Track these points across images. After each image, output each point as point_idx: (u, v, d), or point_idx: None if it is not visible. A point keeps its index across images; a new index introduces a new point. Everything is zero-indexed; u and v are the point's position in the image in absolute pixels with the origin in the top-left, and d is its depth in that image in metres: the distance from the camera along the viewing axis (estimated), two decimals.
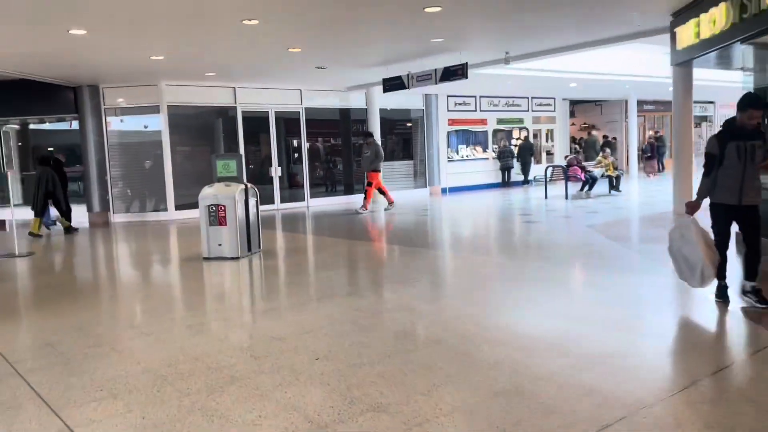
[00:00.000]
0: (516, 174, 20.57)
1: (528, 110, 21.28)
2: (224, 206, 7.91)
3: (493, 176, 20.12)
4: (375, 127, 16.55)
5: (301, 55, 10.95)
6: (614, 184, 14.98)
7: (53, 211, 11.91)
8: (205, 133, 15.18)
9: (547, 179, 15.13)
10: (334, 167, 18.17)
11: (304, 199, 16.22)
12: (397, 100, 17.60)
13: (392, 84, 12.98)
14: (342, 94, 16.72)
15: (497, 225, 10.87)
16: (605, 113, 26.52)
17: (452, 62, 11.73)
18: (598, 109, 26.70)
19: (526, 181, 20.61)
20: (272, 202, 15.61)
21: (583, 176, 14.49)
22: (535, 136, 21.25)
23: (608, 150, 15.13)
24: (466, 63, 11.36)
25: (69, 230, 11.89)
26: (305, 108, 16.03)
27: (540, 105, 21.64)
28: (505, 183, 19.89)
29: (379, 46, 10.68)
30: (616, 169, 15.30)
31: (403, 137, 19.62)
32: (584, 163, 15.02)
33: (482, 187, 19.70)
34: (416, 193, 18.32)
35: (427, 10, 7.97)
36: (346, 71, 13.35)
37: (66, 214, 11.87)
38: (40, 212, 11.41)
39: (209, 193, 8.02)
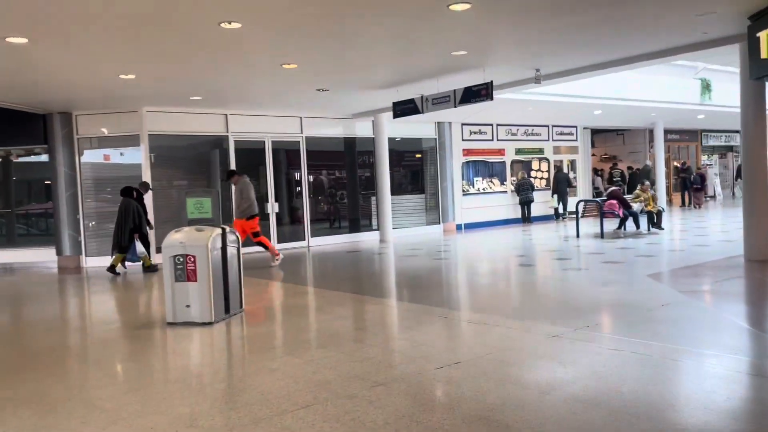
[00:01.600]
0: (548, 208, 18.85)
1: (548, 139, 19.64)
2: (194, 257, 6.17)
3: (511, 211, 18.38)
4: (383, 159, 14.88)
5: (298, 73, 9.33)
6: (655, 221, 13.19)
7: (138, 247, 10.98)
8: (194, 166, 13.54)
9: (579, 215, 13.36)
10: (339, 202, 16.51)
11: (304, 238, 14.47)
12: (407, 129, 16.03)
13: (404, 108, 11.34)
14: (346, 123, 15.12)
15: (534, 274, 9.06)
16: (628, 143, 24.89)
17: (474, 82, 10.10)
18: (620, 138, 25.08)
19: (560, 216, 18.88)
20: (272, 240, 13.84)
21: (621, 212, 12.71)
22: (557, 167, 19.55)
23: (647, 182, 13.37)
24: (491, 82, 9.71)
25: (151, 268, 10.99)
26: (306, 137, 14.41)
27: (561, 134, 20.02)
28: (526, 219, 18.12)
29: (389, 61, 9.06)
30: (656, 203, 13.52)
31: (413, 169, 17.98)
32: (632, 198, 13.24)
33: (500, 224, 17.96)
34: (428, 231, 16.56)
35: (453, 7, 6.33)
36: (351, 94, 11.73)
37: (147, 250, 11.11)
38: (126, 248, 10.74)
39: (175, 240, 6.28)
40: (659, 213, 13.23)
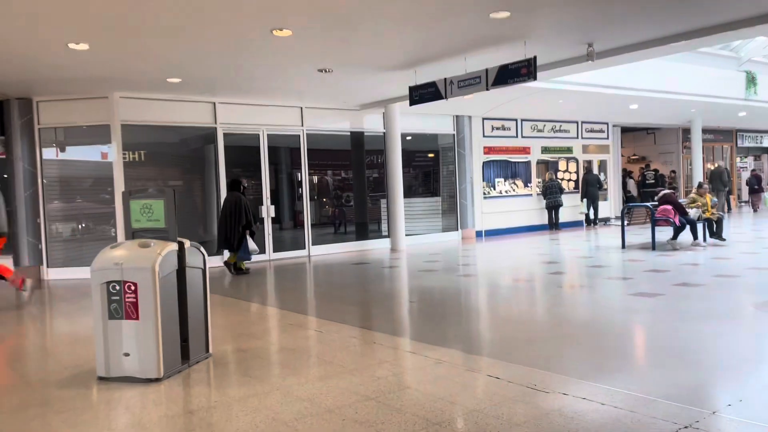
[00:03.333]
0: (578, 213, 16.92)
1: (577, 137, 17.71)
2: (135, 284, 4.30)
3: (536, 217, 16.45)
4: (395, 156, 12.99)
5: (294, 43, 7.47)
6: (715, 230, 11.24)
7: (251, 244, 10.01)
8: (181, 164, 11.70)
9: (625, 222, 11.43)
10: (345, 205, 14.68)
11: (304, 247, 12.60)
12: (421, 123, 14.17)
13: (423, 93, 9.45)
14: (354, 115, 13.25)
15: (596, 302, 7.13)
16: (659, 142, 22.90)
17: (511, 59, 8.21)
18: (650, 137, 23.10)
19: (592, 222, 16.94)
20: (262, 251, 12.00)
21: (677, 219, 10.77)
22: (586, 168, 17.61)
23: (706, 186, 11.42)
24: (535, 57, 7.81)
25: (243, 270, 10.14)
26: (307, 131, 12.54)
27: (591, 131, 18.08)
28: (553, 225, 16.18)
29: (409, 27, 7.17)
30: (715, 210, 11.58)
31: (428, 168, 16.14)
32: (686, 203, 11.28)
33: (524, 230, 16.05)
34: (445, 239, 14.67)
35: None
36: (359, 78, 9.86)
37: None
38: (238, 246, 9.89)
39: (108, 261, 4.41)
40: (719, 221, 11.28)
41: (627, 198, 20.34)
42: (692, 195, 11.48)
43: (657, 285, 7.49)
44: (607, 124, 18.42)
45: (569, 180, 17.39)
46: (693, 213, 11.15)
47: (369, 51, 8.08)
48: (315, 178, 15.08)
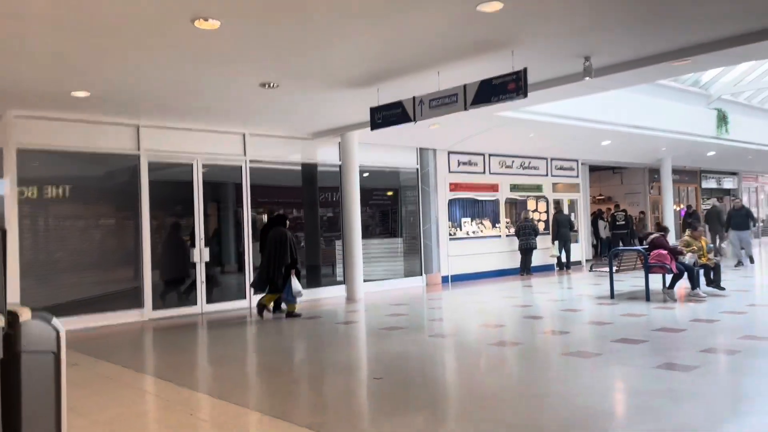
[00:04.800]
0: (549, 256, 15.56)
1: (547, 174, 16.53)
2: None
3: (506, 260, 15.02)
4: (352, 191, 11.38)
5: (223, 40, 5.84)
6: (712, 278, 9.97)
7: (296, 285, 9.10)
8: (105, 200, 9.76)
9: (613, 268, 10.04)
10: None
11: (244, 296, 10.73)
12: (382, 156, 12.71)
13: (387, 116, 7.92)
14: (305, 144, 11.63)
15: (626, 381, 5.55)
16: (626, 182, 22.07)
17: (495, 72, 6.79)
18: (616, 177, 22.25)
19: (564, 266, 15.59)
20: (194, 302, 10.10)
21: (674, 266, 9.44)
22: (557, 208, 16.39)
23: (701, 227, 10.19)
24: (525, 70, 6.40)
25: (295, 314, 9.14)
26: (250, 162, 10.84)
27: (561, 169, 16.96)
28: (526, 269, 14.77)
29: (371, 23, 5.66)
30: (712, 254, 10.34)
31: (389, 207, 14.61)
32: (680, 246, 9.98)
33: (493, 275, 14.58)
34: (408, 285, 13.04)
35: None
36: (311, 95, 8.28)
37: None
38: (282, 286, 9.05)
39: None
40: (717, 268, 10.02)
41: (597, 240, 19.23)
42: (686, 238, 10.22)
43: (682, 352, 5.99)
44: (576, 161, 17.36)
45: (539, 220, 16.09)
46: (689, 258, 9.86)
47: (321, 57, 6.51)
48: (264, 217, 13.49)
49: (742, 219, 14.84)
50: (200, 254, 10.13)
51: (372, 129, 8.14)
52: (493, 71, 6.87)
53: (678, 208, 22.08)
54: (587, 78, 6.90)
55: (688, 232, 10.41)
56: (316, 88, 7.79)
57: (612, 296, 9.95)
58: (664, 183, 19.40)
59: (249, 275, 10.71)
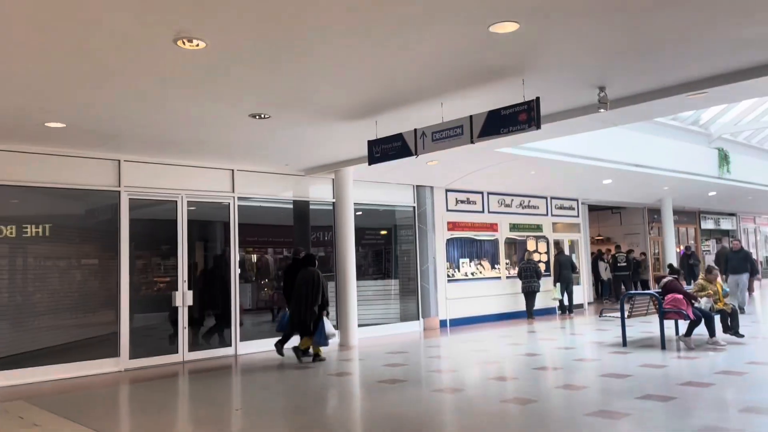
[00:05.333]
0: (551, 299, 14.91)
1: (547, 213, 16.03)
2: None
3: (506, 303, 14.38)
4: (347, 229, 10.78)
5: (210, 63, 5.31)
6: (730, 324, 9.36)
7: (328, 327, 8.84)
8: (86, 239, 9.09)
9: (624, 313, 9.41)
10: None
11: (230, 343, 9.99)
12: (377, 194, 12.19)
13: (386, 149, 7.39)
14: (298, 181, 11.09)
15: None
16: (625, 223, 21.62)
17: (502, 103, 6.29)
18: (615, 217, 21.83)
19: (567, 309, 14.94)
20: (173, 350, 9.35)
21: (690, 312, 8.83)
22: (558, 249, 15.82)
23: (716, 270, 9.62)
24: (537, 100, 5.90)
25: (319, 357, 8.88)
26: (239, 199, 10.25)
27: (561, 208, 16.48)
28: (530, 313, 14.13)
29: (371, 57, 5.16)
30: (728, 299, 9.74)
31: (384, 246, 14.04)
32: (694, 290, 9.39)
33: (493, 319, 13.92)
34: (404, 330, 12.34)
35: None
36: (304, 128, 7.75)
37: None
38: (314, 329, 8.71)
39: None
40: (734, 313, 9.42)
41: (598, 282, 18.63)
42: (700, 281, 9.64)
43: (720, 413, 5.33)
44: (577, 200, 16.90)
45: (539, 261, 15.51)
46: (704, 303, 9.26)
47: (316, 84, 6.00)
48: (254, 257, 12.89)
49: (739, 262, 13.81)
50: (182, 297, 9.42)
51: (370, 163, 7.59)
52: (500, 102, 6.39)
53: (677, 250, 21.60)
54: (602, 110, 6.42)
55: (702, 275, 9.83)
56: (309, 119, 7.27)
57: (624, 344, 9.30)
58: (666, 223, 18.94)
59: (236, 321, 9.98)
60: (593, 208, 19.57)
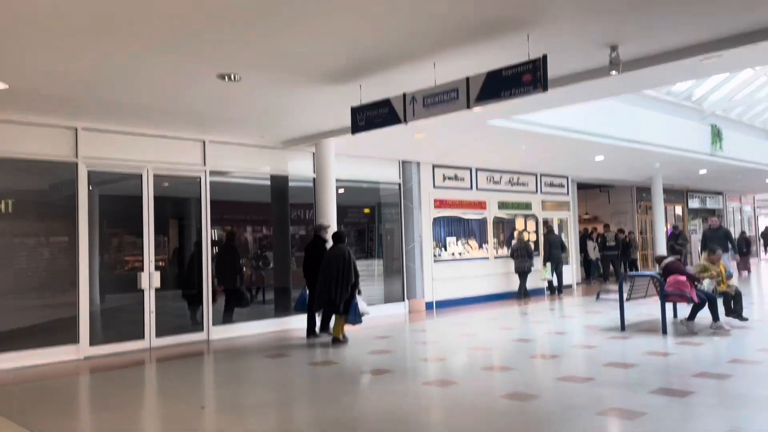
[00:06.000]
0: (540, 280, 14.34)
1: (536, 191, 15.43)
2: None
3: (494, 284, 13.81)
4: (328, 204, 10.04)
5: (170, 13, 4.51)
6: (733, 307, 8.85)
7: (362, 305, 8.54)
8: (30, 214, 8.24)
9: (623, 295, 8.86)
10: (263, 268, 11.63)
11: (202, 328, 9.27)
12: (360, 170, 11.47)
13: (372, 117, 6.65)
14: (275, 155, 10.30)
15: None
16: (614, 201, 21.14)
17: (504, 63, 5.58)
18: (603, 195, 21.33)
19: (556, 290, 14.42)
20: (140, 336, 8.60)
21: (694, 294, 8.30)
22: (548, 227, 15.25)
23: (719, 250, 9.08)
24: (544, 58, 5.20)
25: (343, 339, 8.40)
26: (211, 173, 9.46)
27: (551, 185, 15.89)
28: (524, 293, 13.67)
29: (353, 9, 4.40)
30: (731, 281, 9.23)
31: (364, 225, 13.37)
32: (696, 272, 8.84)
33: (481, 300, 13.35)
34: (389, 312, 11.70)
35: None
36: (280, 92, 6.97)
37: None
38: (346, 308, 8.31)
39: None
40: (738, 296, 8.91)
41: (586, 262, 18.16)
42: (702, 262, 9.10)
43: (749, 410, 4.76)
44: (567, 178, 16.32)
45: (528, 241, 14.94)
46: (706, 285, 8.74)
47: (290, 40, 5.23)
48: (228, 233, 12.21)
49: (719, 241, 13.10)
50: (149, 279, 8.66)
51: (353, 132, 6.84)
52: (501, 62, 5.67)
53: (665, 229, 21.23)
54: (614, 72, 5.73)
55: (704, 255, 9.31)
56: (285, 82, 6.50)
57: (623, 328, 8.75)
58: (656, 202, 18.46)
59: (208, 304, 9.26)
60: (581, 186, 19.04)
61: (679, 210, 23.61)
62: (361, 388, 6.00)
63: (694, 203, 24.64)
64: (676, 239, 18.95)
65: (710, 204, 25.87)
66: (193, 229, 9.79)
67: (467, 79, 5.72)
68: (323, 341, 8.66)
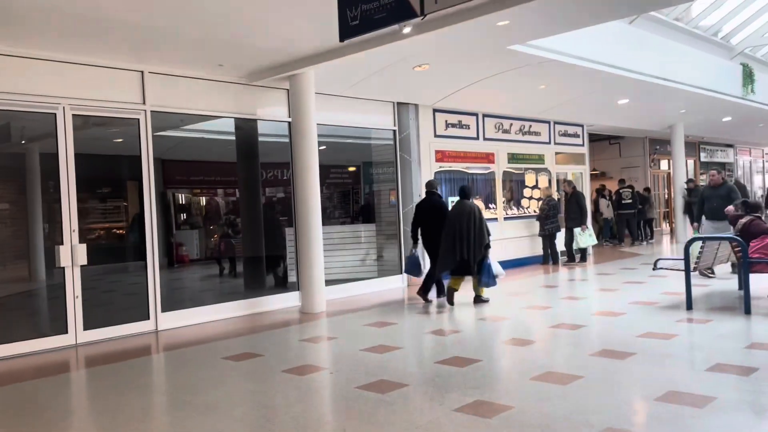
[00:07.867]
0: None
1: (550, 141, 13.39)
2: None
3: (506, 250, 11.78)
4: (307, 157, 7.87)
5: None
6: None
7: (496, 266, 7.81)
8: None
9: (693, 263, 6.90)
10: (230, 237, 9.82)
11: (148, 316, 7.16)
12: (345, 115, 9.32)
13: (369, 11, 4.43)
14: (240, 91, 8.06)
15: None
16: (624, 155, 19.21)
17: None
18: (613, 149, 19.38)
19: (576, 257, 12.42)
20: (63, 329, 6.48)
21: None
22: (571, 185, 13.26)
23: None
24: None
25: (482, 299, 7.87)
26: (152, 114, 7.21)
27: (565, 135, 13.85)
28: (552, 258, 11.92)
29: None
30: None
31: (347, 188, 11.44)
32: None
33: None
34: (384, 288, 9.71)
35: None
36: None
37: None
38: (479, 268, 7.65)
39: None
40: None
41: (605, 223, 16.28)
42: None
43: None
44: (582, 126, 14.29)
45: (539, 199, 12.94)
46: None
47: None
48: (203, 199, 10.37)
49: (721, 202, 8.95)
50: (71, 254, 6.50)
51: (342, 38, 4.62)
52: None
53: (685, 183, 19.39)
54: None
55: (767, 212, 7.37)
56: None
57: (689, 306, 6.83)
58: (676, 153, 16.59)
59: (156, 284, 7.15)
60: (590, 139, 17.03)
61: (691, 164, 21.77)
62: (359, 409, 4.01)
63: (703, 157, 22.85)
64: (689, 195, 17.11)
65: (720, 157, 24.09)
66: (161, 192, 7.72)
67: None
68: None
